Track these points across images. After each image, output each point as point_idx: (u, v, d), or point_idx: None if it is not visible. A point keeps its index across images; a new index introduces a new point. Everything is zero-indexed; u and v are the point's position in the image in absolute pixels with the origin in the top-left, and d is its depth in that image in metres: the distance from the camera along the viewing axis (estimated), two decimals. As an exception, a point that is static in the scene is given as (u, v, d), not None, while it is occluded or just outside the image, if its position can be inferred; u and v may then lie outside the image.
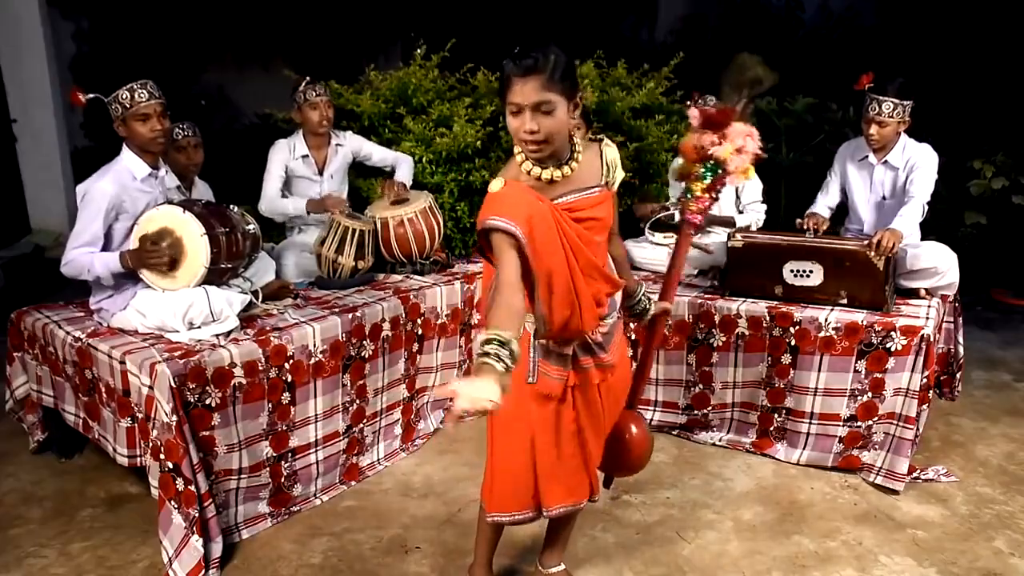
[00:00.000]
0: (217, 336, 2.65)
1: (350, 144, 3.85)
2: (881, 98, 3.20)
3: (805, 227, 3.23)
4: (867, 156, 3.40)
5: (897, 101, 3.18)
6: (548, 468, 1.96)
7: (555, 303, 1.80)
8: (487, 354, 1.48)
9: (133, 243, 2.67)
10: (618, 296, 2.02)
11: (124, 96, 2.66)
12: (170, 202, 2.77)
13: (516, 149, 1.80)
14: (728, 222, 3.67)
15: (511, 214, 1.69)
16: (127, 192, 2.69)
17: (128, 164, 2.73)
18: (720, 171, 2.11)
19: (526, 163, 1.78)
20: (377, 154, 3.92)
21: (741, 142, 2.08)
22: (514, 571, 2.41)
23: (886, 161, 3.35)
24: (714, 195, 2.17)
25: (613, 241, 2.03)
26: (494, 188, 1.75)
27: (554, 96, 1.66)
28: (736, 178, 2.18)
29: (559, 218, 1.77)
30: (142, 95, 2.67)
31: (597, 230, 1.86)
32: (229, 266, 2.82)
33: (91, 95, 2.70)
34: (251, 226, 3.04)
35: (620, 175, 1.94)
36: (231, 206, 3.00)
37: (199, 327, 2.65)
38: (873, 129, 3.25)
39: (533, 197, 1.74)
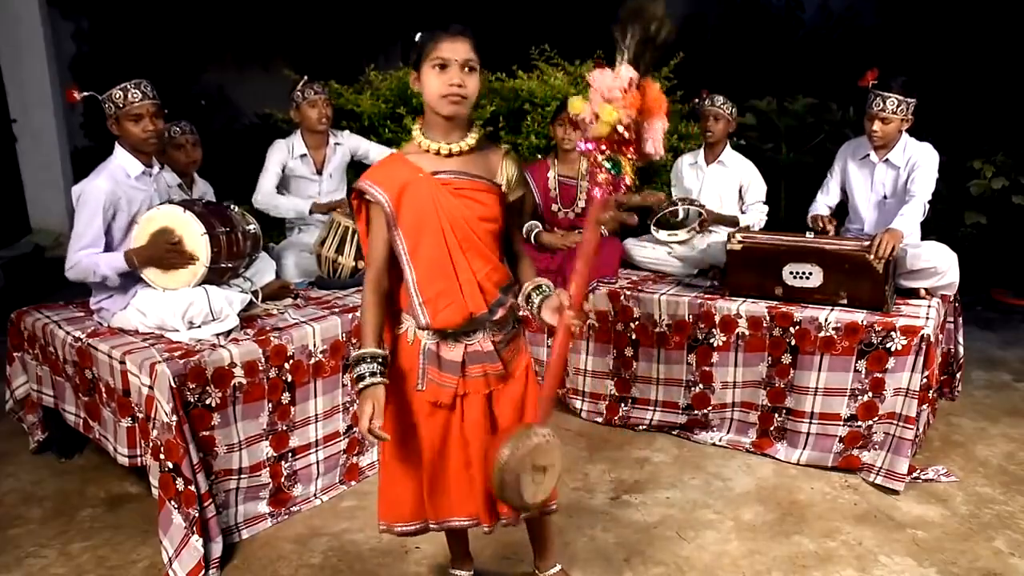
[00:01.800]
0: (217, 336, 2.65)
1: (348, 143, 3.86)
2: (886, 94, 3.20)
3: (817, 227, 3.23)
4: (868, 155, 3.40)
5: (901, 98, 3.19)
6: (434, 479, 1.93)
7: (429, 280, 1.81)
8: (371, 375, 1.77)
9: (134, 242, 2.67)
10: (512, 299, 1.92)
11: (117, 96, 2.66)
12: (171, 201, 2.77)
13: (415, 124, 1.87)
14: (732, 221, 3.67)
15: (383, 182, 1.80)
16: (122, 189, 2.69)
17: (121, 162, 2.73)
18: (619, 172, 1.74)
19: (419, 134, 1.84)
20: (375, 153, 3.92)
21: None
22: (514, 572, 2.41)
23: (887, 160, 3.35)
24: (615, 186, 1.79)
25: (515, 238, 1.99)
26: (382, 156, 1.84)
27: (477, 59, 1.77)
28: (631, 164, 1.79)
29: (435, 190, 1.80)
30: (135, 95, 2.67)
31: (480, 213, 1.84)
32: (230, 265, 2.82)
33: (86, 93, 2.71)
34: (251, 226, 3.04)
35: (517, 189, 1.92)
36: (231, 206, 3.01)
37: (199, 327, 2.65)
38: (876, 126, 3.25)
39: (411, 169, 1.81)
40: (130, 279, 2.72)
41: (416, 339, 1.88)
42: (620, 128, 1.65)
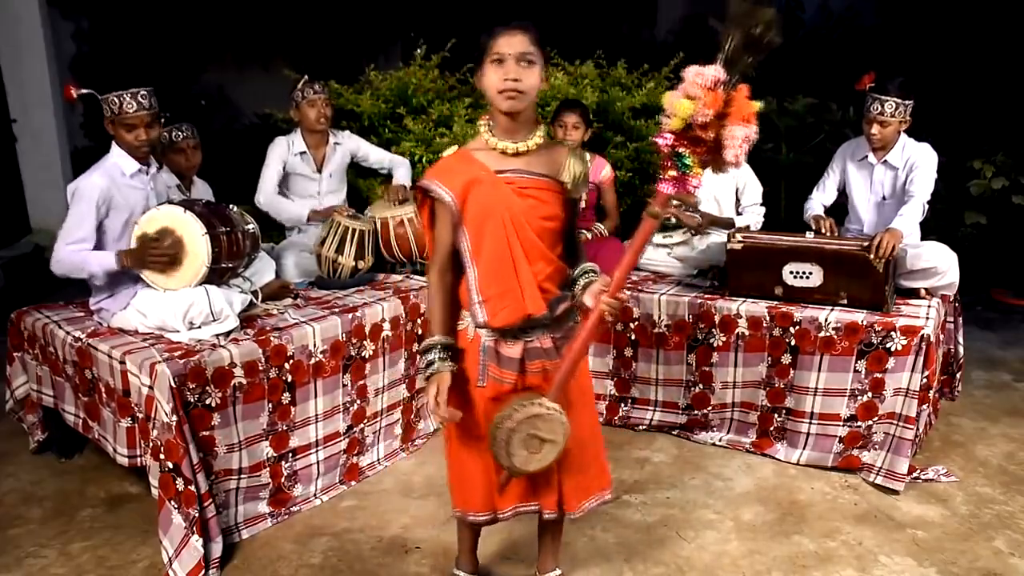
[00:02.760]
0: (217, 336, 2.65)
1: (348, 144, 3.86)
2: (883, 97, 3.20)
3: (818, 229, 3.22)
4: (867, 156, 3.40)
5: (899, 100, 3.19)
6: (498, 471, 1.94)
7: (491, 279, 1.82)
8: (440, 360, 1.83)
9: (133, 243, 2.67)
10: (570, 298, 1.93)
11: (114, 102, 2.67)
12: (171, 202, 2.77)
13: (481, 120, 1.87)
14: (728, 224, 3.67)
15: (448, 180, 1.81)
16: (117, 187, 2.70)
17: (117, 160, 2.74)
18: (687, 171, 1.71)
19: (486, 132, 1.84)
20: (374, 155, 3.92)
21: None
22: (515, 573, 2.41)
23: (886, 161, 3.36)
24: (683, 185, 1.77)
25: (574, 235, 1.99)
26: (446, 153, 1.88)
27: (536, 52, 1.76)
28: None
29: (499, 189, 1.80)
30: (131, 106, 2.67)
31: (543, 212, 1.84)
32: (230, 265, 2.82)
33: (84, 90, 2.71)
34: (251, 225, 3.04)
35: (583, 187, 1.90)
36: (231, 206, 3.01)
37: (199, 327, 2.65)
38: (875, 128, 3.25)
39: (477, 166, 1.81)
40: (122, 278, 2.72)
41: (476, 336, 1.90)
42: (694, 126, 1.61)
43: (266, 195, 3.67)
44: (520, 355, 1.87)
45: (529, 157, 1.84)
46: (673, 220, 3.69)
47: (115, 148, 2.75)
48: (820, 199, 3.58)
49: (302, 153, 3.71)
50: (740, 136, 1.61)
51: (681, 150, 1.66)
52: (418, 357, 1.79)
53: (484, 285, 1.84)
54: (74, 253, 2.65)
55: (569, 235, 1.96)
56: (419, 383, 2.82)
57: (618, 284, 1.78)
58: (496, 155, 1.83)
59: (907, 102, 3.21)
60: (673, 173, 1.70)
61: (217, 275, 2.75)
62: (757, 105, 1.63)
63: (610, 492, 2.11)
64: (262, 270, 3.17)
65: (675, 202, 1.79)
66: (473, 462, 1.97)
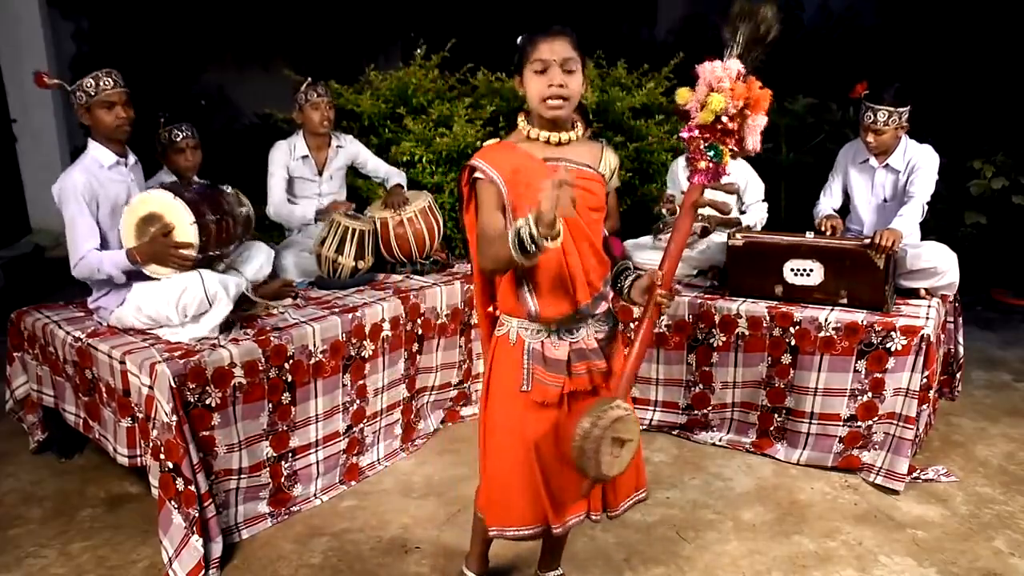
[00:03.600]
0: (216, 336, 2.64)
1: (350, 148, 3.87)
2: (876, 107, 3.19)
3: (823, 229, 3.22)
4: (868, 159, 3.40)
5: (892, 109, 3.18)
6: (553, 480, 1.87)
7: (540, 267, 1.78)
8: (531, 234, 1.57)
9: (124, 230, 2.65)
10: (611, 292, 1.94)
11: (89, 84, 2.67)
12: (162, 186, 2.75)
13: (520, 120, 1.84)
14: (733, 223, 3.67)
15: (496, 163, 1.77)
16: (97, 180, 2.70)
17: (95, 154, 2.74)
18: (720, 160, 1.80)
19: (526, 125, 1.82)
20: (372, 164, 3.93)
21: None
22: (513, 572, 2.41)
23: (887, 164, 3.35)
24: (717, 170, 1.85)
25: (608, 229, 2.00)
26: (487, 143, 1.84)
27: (578, 57, 1.75)
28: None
29: (548, 175, 1.72)
30: (107, 82, 2.68)
31: (590, 202, 1.83)
32: (218, 253, 2.81)
33: (56, 81, 2.71)
34: (245, 208, 3.03)
35: (615, 183, 1.94)
36: (226, 187, 2.98)
37: (194, 316, 2.63)
38: (870, 137, 3.25)
39: (523, 154, 1.79)
40: (133, 276, 2.71)
41: (519, 339, 1.86)
42: (724, 118, 1.70)
43: (276, 206, 3.68)
44: (566, 356, 1.85)
45: (572, 147, 1.84)
46: (707, 212, 3.69)
47: (91, 143, 2.75)
48: (828, 203, 3.57)
49: (304, 157, 3.71)
50: (761, 125, 1.74)
51: (712, 141, 1.75)
52: (514, 246, 1.59)
53: (535, 273, 1.80)
54: (88, 254, 2.64)
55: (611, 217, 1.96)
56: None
57: (668, 277, 1.82)
58: (540, 145, 1.81)
59: (901, 109, 3.20)
60: (703, 165, 1.78)
61: (204, 263, 2.73)
62: (769, 92, 1.74)
63: (646, 491, 2.09)
64: (255, 256, 3.16)
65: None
66: (517, 474, 1.88)
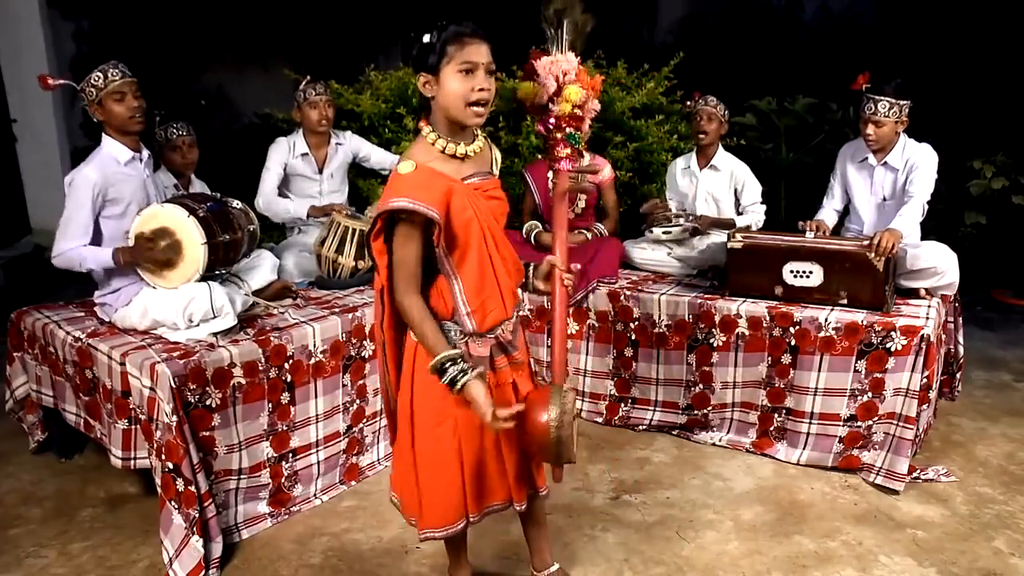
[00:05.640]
0: (216, 336, 2.65)
1: (350, 144, 3.86)
2: (877, 98, 3.20)
3: (808, 229, 3.22)
4: (867, 158, 3.40)
5: (893, 101, 3.19)
6: (474, 473, 1.92)
7: (475, 288, 1.81)
8: (463, 372, 1.73)
9: (131, 238, 2.66)
10: (520, 293, 1.98)
11: (97, 77, 2.65)
12: (175, 200, 2.75)
13: (424, 129, 1.79)
14: (728, 223, 3.67)
15: (428, 198, 1.69)
16: (112, 178, 2.68)
17: (110, 150, 2.72)
18: (578, 143, 1.97)
19: (439, 140, 1.76)
20: (376, 156, 3.92)
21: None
22: (513, 573, 2.41)
23: (886, 162, 3.35)
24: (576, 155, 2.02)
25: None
26: (404, 170, 1.72)
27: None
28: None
29: (473, 198, 1.78)
30: (115, 74, 2.66)
31: (502, 210, 1.89)
32: (223, 271, 2.83)
33: (62, 80, 2.71)
34: (253, 226, 3.04)
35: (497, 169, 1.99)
36: (234, 202, 2.98)
37: (198, 323, 2.65)
38: (870, 129, 3.25)
39: (445, 179, 1.75)
40: (120, 274, 2.72)
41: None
42: (577, 109, 1.89)
43: (265, 198, 3.67)
44: (488, 352, 1.88)
45: (476, 158, 1.84)
46: (699, 212, 3.77)
47: (106, 139, 2.73)
48: (831, 206, 3.57)
49: (304, 154, 3.71)
50: (597, 109, 1.95)
51: (570, 130, 1.92)
52: (438, 376, 1.74)
53: (471, 296, 1.81)
54: (72, 249, 2.65)
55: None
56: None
57: (564, 258, 1.94)
58: (455, 163, 1.77)
59: (902, 102, 3.20)
60: (566, 152, 1.95)
61: (209, 278, 2.74)
62: (601, 78, 2.01)
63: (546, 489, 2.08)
64: (261, 265, 3.16)
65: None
66: (448, 473, 1.90)
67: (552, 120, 1.90)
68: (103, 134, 2.74)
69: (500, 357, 1.91)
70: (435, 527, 1.94)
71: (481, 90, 1.70)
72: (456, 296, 1.81)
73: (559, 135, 1.92)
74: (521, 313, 2.02)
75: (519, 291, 1.96)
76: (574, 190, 2.07)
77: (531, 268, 2.01)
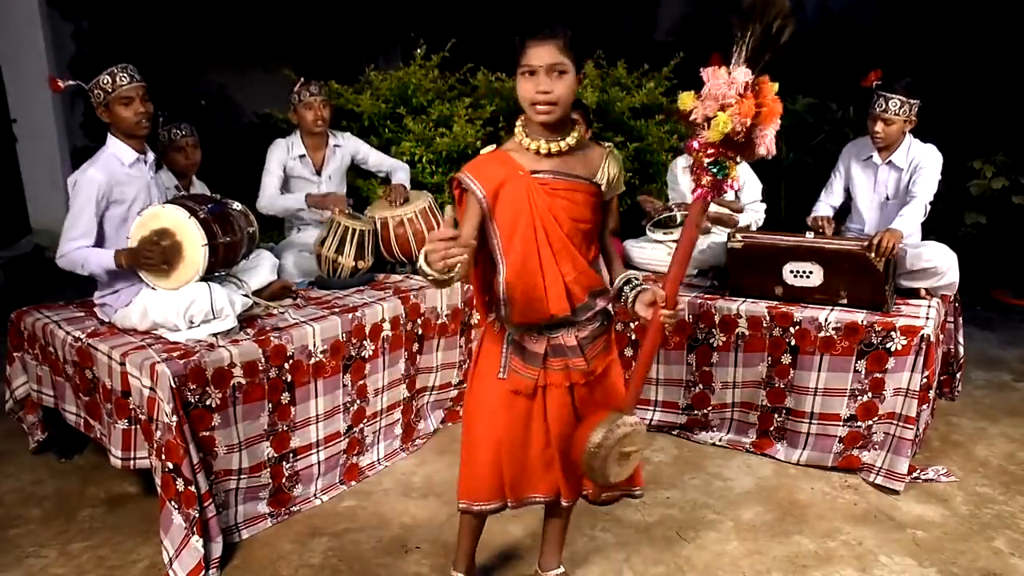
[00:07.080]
0: (215, 336, 2.64)
1: (348, 146, 3.85)
2: (888, 95, 3.19)
3: (816, 228, 3.22)
4: (871, 156, 3.40)
5: (904, 99, 3.18)
6: (516, 463, 1.97)
7: (517, 277, 1.82)
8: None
9: (131, 236, 2.66)
10: (603, 303, 1.94)
11: (105, 81, 2.65)
12: (177, 201, 2.75)
13: (517, 125, 1.85)
14: (730, 221, 3.67)
15: (482, 177, 1.80)
16: (116, 179, 2.69)
17: (115, 151, 2.72)
18: (724, 175, 1.75)
19: (519, 131, 1.84)
20: (374, 158, 3.92)
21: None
22: (515, 571, 2.41)
23: (890, 161, 3.35)
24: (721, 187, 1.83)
25: (606, 237, 2.00)
26: (484, 150, 1.87)
27: (567, 61, 1.74)
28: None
29: (532, 190, 1.80)
30: (123, 78, 2.66)
31: (574, 213, 1.85)
32: (223, 273, 2.83)
33: (71, 82, 2.70)
34: (252, 228, 3.04)
35: (618, 188, 1.94)
36: (234, 204, 2.98)
37: (198, 325, 2.65)
38: (879, 127, 3.25)
39: (512, 167, 1.81)
40: (121, 276, 2.72)
41: (502, 328, 1.92)
42: (730, 135, 1.63)
43: (267, 200, 3.67)
44: (543, 351, 1.89)
45: (564, 158, 1.84)
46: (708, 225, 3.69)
47: (111, 140, 2.73)
48: (828, 201, 3.57)
49: (301, 156, 3.71)
50: (772, 135, 1.66)
51: (717, 158, 1.69)
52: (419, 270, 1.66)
53: (511, 283, 1.83)
54: (75, 251, 2.65)
55: (603, 239, 1.98)
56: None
57: (672, 295, 1.80)
58: (531, 155, 1.83)
59: (912, 101, 3.20)
60: (706, 180, 1.73)
61: (208, 279, 2.74)
62: (774, 88, 1.63)
63: (641, 489, 2.18)
64: (261, 265, 3.16)
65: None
66: (486, 450, 1.97)
67: (696, 144, 1.70)
68: (109, 135, 2.74)
69: (557, 359, 1.91)
70: (470, 500, 2.03)
71: (539, 93, 1.74)
72: (499, 281, 1.85)
73: (705, 161, 1.71)
74: (605, 324, 1.98)
75: (594, 299, 1.91)
76: (700, 228, 1.85)
77: (626, 284, 1.93)
